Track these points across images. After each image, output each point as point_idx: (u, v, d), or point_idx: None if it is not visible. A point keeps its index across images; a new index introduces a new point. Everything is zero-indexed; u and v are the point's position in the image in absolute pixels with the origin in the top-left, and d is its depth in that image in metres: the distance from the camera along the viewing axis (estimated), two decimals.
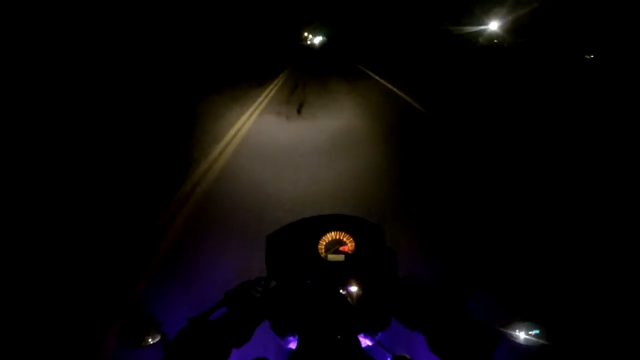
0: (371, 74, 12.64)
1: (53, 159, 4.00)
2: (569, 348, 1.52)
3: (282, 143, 4.64)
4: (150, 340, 0.69)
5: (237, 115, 6.27)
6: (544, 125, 5.08)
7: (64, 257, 2.41)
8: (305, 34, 54.01)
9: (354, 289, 0.76)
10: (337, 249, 0.88)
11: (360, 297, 0.76)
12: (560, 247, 2.43)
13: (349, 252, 0.88)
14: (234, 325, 0.72)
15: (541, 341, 0.60)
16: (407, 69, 12.31)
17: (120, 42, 9.90)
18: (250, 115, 6.35)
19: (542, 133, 4.75)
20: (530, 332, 0.61)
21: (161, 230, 2.77)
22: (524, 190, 3.28)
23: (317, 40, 51.84)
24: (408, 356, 0.69)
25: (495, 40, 12.58)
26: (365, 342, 0.78)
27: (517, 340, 0.62)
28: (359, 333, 0.76)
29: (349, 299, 0.76)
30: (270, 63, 14.93)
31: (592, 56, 8.24)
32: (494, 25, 12.67)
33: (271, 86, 9.92)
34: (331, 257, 0.87)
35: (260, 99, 7.88)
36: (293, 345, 0.82)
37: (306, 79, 11.88)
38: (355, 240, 0.89)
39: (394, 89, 9.01)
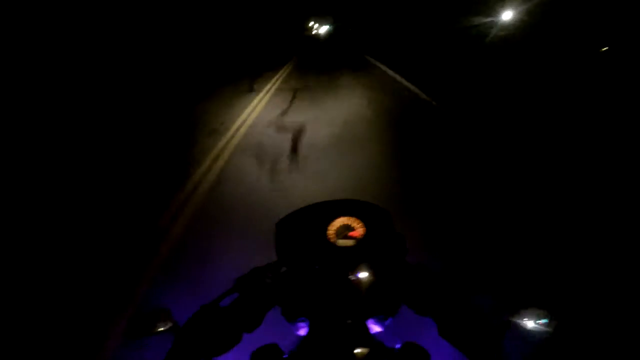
0: (384, 67, 11.52)
1: (64, 156, 4.09)
2: (578, 336, 1.55)
3: None
4: (162, 327, 0.71)
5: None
6: (555, 119, 5.04)
7: (75, 247, 2.48)
8: (311, 23, 53.50)
9: (363, 274, 0.77)
10: (347, 234, 0.89)
11: (370, 283, 0.77)
12: (571, 235, 2.46)
13: (359, 237, 0.88)
14: (244, 310, 0.74)
15: (550, 329, 0.62)
16: (417, 62, 12.08)
17: (131, 35, 9.96)
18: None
19: (553, 127, 4.72)
20: (539, 321, 0.63)
21: (172, 219, 2.84)
22: (536, 181, 3.29)
23: (323, 30, 51.34)
24: (417, 343, 0.70)
25: (506, 32, 12.34)
26: (374, 328, 0.79)
27: (526, 328, 0.63)
28: (368, 319, 0.78)
29: (358, 284, 0.77)
30: (268, 60, 13.99)
31: (606, 48, 8.10)
32: (507, 15, 12.42)
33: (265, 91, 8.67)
34: (341, 242, 0.87)
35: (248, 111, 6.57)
36: (303, 332, 0.83)
37: (308, 80, 10.20)
38: (366, 225, 0.89)
39: (407, 84, 8.50)
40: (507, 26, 12.17)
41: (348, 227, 0.89)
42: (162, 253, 2.48)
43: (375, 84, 8.93)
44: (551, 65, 8.09)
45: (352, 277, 0.78)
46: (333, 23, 50.95)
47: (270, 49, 17.59)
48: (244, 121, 5.96)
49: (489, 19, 12.84)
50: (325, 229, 0.89)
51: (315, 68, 12.72)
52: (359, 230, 0.89)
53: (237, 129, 5.45)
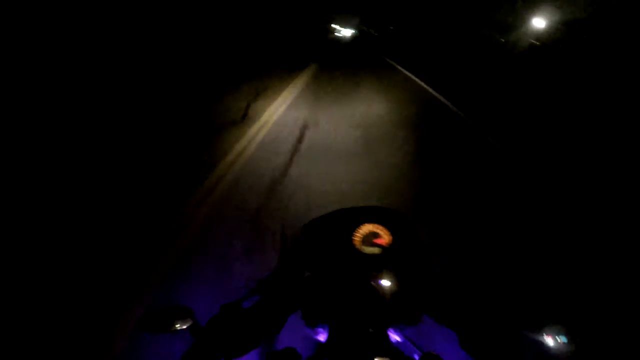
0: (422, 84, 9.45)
1: (88, 150, 4.31)
2: (597, 354, 1.53)
3: None
4: (181, 325, 0.72)
5: None
6: (585, 134, 4.90)
7: (96, 239, 2.60)
8: (335, 26, 53.86)
9: (387, 282, 0.78)
10: (373, 241, 0.89)
11: (393, 292, 0.78)
12: (594, 253, 2.42)
13: (385, 245, 0.89)
14: (266, 313, 0.75)
15: (570, 346, 0.63)
16: (446, 71, 11.75)
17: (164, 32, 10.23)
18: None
19: (582, 143, 4.59)
20: (558, 338, 0.64)
21: (191, 213, 2.94)
22: (566, 197, 3.23)
23: (347, 32, 51.56)
24: (436, 353, 0.70)
25: (538, 42, 11.96)
26: (394, 337, 0.80)
27: (545, 345, 0.65)
28: (389, 328, 0.79)
29: (382, 292, 0.78)
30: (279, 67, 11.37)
31: None
32: (539, 23, 12.06)
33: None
34: (367, 249, 0.88)
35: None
36: (322, 338, 0.84)
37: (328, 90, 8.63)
38: (392, 233, 0.90)
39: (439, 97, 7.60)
40: (538, 35, 11.85)
41: (374, 235, 0.90)
42: (181, 248, 2.57)
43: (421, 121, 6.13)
44: (586, 79, 7.85)
45: (375, 285, 0.79)
46: (358, 27, 51.11)
47: (285, 53, 16.67)
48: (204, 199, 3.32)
49: (519, 28, 12.53)
50: (352, 236, 0.90)
51: (334, 84, 9.36)
52: (385, 238, 0.90)
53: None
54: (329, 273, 0.87)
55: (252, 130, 5.49)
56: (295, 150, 4.60)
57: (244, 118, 5.96)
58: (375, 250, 0.88)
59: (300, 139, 5.09)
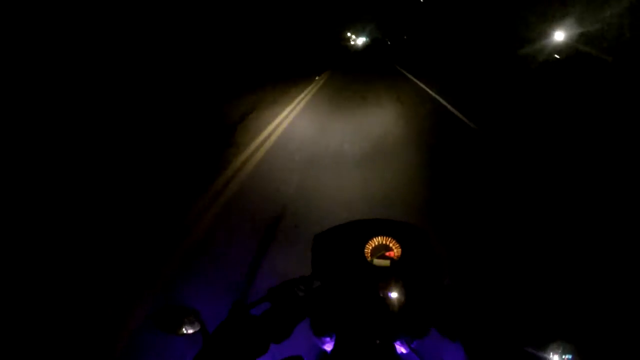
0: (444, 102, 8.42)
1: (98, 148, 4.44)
2: None
3: None
4: (189, 329, 0.73)
5: None
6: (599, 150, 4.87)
7: (104, 239, 2.68)
8: (349, 33, 54.45)
9: (396, 295, 0.80)
10: (383, 254, 0.92)
11: (402, 304, 0.79)
12: (601, 271, 2.43)
13: (395, 258, 0.91)
14: (275, 321, 0.76)
15: None
16: (462, 83, 11.67)
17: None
18: None
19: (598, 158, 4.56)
20: (564, 355, 0.66)
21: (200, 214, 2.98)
22: (572, 211, 3.23)
23: (360, 41, 52.08)
24: None
25: (558, 55, 11.88)
26: (400, 349, 0.82)
27: None
28: (396, 340, 0.82)
29: (391, 305, 0.80)
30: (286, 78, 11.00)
31: None
32: (559, 36, 12.01)
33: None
34: (377, 261, 0.91)
35: None
36: (328, 347, 0.87)
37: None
38: (402, 246, 0.92)
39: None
40: (558, 48, 11.79)
41: (385, 247, 0.93)
42: (189, 250, 2.63)
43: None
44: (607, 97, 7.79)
45: (384, 297, 0.81)
46: (370, 35, 51.65)
47: (294, 62, 16.28)
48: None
49: (539, 40, 12.47)
50: (363, 247, 0.93)
51: (344, 105, 8.25)
52: (395, 250, 0.93)
53: None
54: (339, 283, 0.89)
55: (262, 135, 5.54)
56: (305, 154, 4.67)
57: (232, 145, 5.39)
58: (385, 262, 0.91)
59: (310, 144, 5.16)
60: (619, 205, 3.37)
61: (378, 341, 0.76)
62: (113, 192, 3.45)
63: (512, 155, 4.82)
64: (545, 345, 0.67)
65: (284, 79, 11.14)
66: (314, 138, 5.55)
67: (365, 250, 0.94)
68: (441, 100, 8.80)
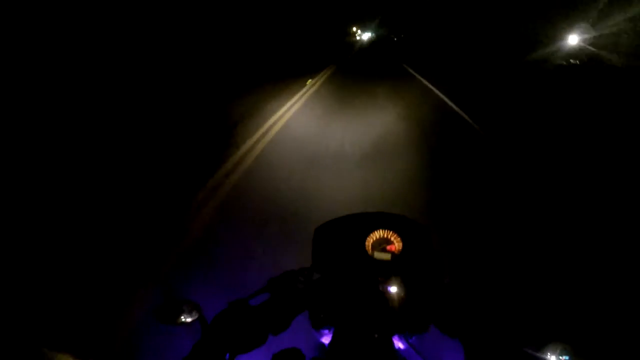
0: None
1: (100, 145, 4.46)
2: None
3: None
4: (187, 318, 0.74)
5: None
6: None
7: (105, 232, 2.71)
8: (354, 28, 54.30)
9: (396, 289, 0.81)
10: (384, 247, 0.93)
11: (402, 299, 0.80)
12: (601, 273, 2.46)
13: (396, 252, 0.92)
14: (274, 312, 0.77)
15: None
16: (464, 80, 11.61)
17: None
18: None
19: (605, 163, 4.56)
20: (562, 356, 0.67)
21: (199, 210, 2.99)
22: (575, 212, 3.28)
23: (366, 36, 51.98)
24: None
25: (573, 60, 11.78)
26: (398, 344, 0.84)
27: None
28: (395, 334, 0.83)
29: (390, 299, 0.81)
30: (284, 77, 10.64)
31: None
32: (573, 40, 11.92)
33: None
34: (377, 255, 0.91)
35: None
36: (326, 340, 0.89)
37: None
38: (403, 240, 0.93)
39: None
40: (572, 53, 11.72)
41: (386, 241, 0.94)
42: (191, 242, 2.69)
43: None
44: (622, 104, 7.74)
45: (384, 291, 0.82)
46: (376, 30, 51.53)
47: (306, 56, 16.04)
48: None
49: (551, 44, 12.39)
50: (364, 240, 0.94)
51: (347, 91, 8.53)
52: (396, 244, 0.93)
53: None
54: (339, 276, 0.90)
55: (261, 130, 5.53)
56: (305, 150, 4.64)
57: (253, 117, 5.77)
58: (386, 256, 0.91)
59: (311, 138, 5.10)
60: (619, 206, 3.40)
61: (376, 335, 0.77)
62: (113, 190, 3.48)
63: (521, 160, 4.84)
64: (542, 346, 0.68)
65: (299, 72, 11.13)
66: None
67: (366, 243, 0.94)
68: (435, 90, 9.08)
